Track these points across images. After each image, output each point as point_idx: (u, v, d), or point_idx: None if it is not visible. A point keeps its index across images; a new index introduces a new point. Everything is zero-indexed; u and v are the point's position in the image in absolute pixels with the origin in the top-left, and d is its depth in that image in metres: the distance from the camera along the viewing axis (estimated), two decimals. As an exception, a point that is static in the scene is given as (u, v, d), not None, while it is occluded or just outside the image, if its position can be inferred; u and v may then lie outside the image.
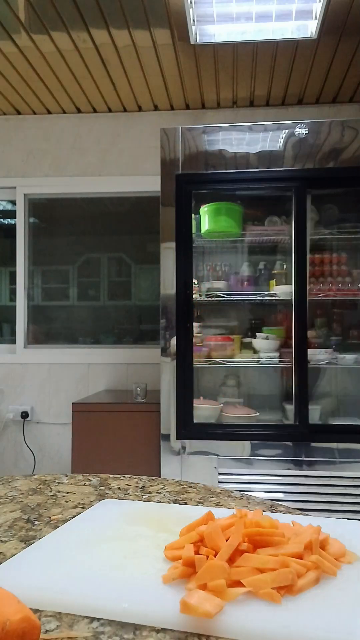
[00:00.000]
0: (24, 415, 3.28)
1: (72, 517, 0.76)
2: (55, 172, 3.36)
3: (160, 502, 0.85)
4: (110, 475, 1.00)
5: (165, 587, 0.52)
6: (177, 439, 2.29)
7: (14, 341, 3.41)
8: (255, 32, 2.45)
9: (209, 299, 2.58)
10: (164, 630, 0.47)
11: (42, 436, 3.30)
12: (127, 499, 0.86)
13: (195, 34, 2.46)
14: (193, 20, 2.37)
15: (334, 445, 2.23)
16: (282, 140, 2.30)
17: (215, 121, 3.24)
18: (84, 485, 0.95)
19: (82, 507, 0.82)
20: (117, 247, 3.49)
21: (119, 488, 0.92)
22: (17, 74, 2.86)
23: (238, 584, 0.50)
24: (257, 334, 2.59)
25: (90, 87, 3.01)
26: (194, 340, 2.34)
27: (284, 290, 2.44)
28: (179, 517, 0.71)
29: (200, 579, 0.50)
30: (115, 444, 2.60)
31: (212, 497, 0.87)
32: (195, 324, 2.45)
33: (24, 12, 2.32)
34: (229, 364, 2.52)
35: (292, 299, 2.31)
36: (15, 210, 3.43)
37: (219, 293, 2.54)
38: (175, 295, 2.30)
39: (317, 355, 2.42)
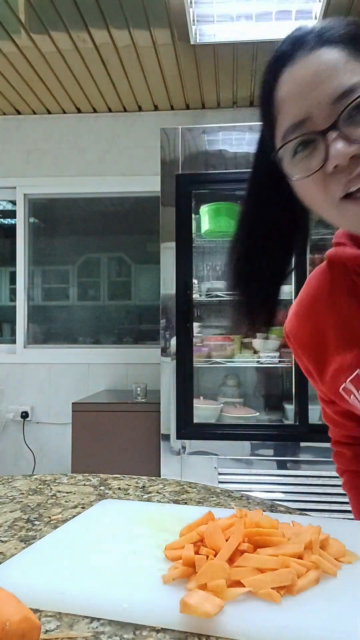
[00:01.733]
0: (24, 415, 3.28)
1: (72, 517, 0.76)
2: (55, 172, 3.36)
3: (160, 502, 0.85)
4: (110, 475, 1.00)
5: (165, 587, 0.52)
6: (177, 439, 2.29)
7: (14, 341, 3.41)
8: (255, 32, 2.45)
9: (209, 299, 2.58)
10: (164, 630, 0.47)
11: (42, 436, 3.30)
12: (127, 499, 0.86)
13: (195, 34, 2.46)
14: (193, 20, 2.37)
15: (334, 445, 2.23)
16: (282, 140, 2.30)
17: (215, 121, 3.24)
18: (84, 485, 0.95)
19: (82, 507, 0.82)
20: (117, 247, 3.49)
21: (119, 488, 0.92)
22: (17, 74, 2.86)
23: (238, 584, 0.50)
24: (257, 334, 2.59)
25: (90, 87, 3.01)
26: (193, 340, 2.34)
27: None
28: (179, 517, 0.70)
29: (200, 579, 0.50)
30: (115, 444, 2.60)
31: (212, 497, 0.87)
32: (195, 324, 2.45)
33: (24, 12, 2.32)
34: (229, 364, 2.52)
35: (292, 299, 2.30)
36: (15, 210, 3.43)
37: (218, 293, 2.54)
38: (175, 295, 2.30)
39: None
